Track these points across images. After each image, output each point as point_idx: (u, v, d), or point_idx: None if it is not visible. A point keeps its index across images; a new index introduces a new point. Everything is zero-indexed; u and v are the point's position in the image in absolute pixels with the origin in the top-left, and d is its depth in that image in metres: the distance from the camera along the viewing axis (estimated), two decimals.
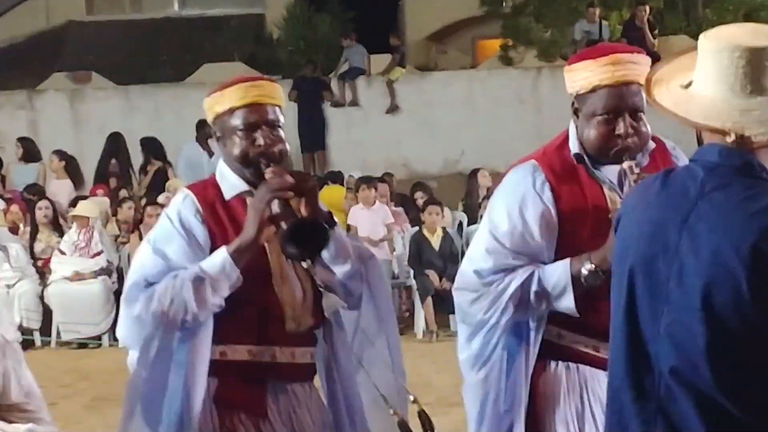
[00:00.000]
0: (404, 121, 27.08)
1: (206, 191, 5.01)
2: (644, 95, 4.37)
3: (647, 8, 26.65)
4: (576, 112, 5.05)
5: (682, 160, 5.30)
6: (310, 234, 4.52)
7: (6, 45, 39.26)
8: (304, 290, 4.78)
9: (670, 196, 3.42)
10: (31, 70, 32.95)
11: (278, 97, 5.07)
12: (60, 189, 21.85)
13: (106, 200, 20.64)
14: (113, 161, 23.25)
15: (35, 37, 39.99)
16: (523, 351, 5.06)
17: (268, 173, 4.73)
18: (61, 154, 22.54)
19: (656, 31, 25.93)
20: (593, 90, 4.85)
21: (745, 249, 3.09)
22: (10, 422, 5.11)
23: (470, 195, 20.35)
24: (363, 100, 28.07)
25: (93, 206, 18.97)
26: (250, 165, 4.82)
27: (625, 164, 5.01)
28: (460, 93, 27.83)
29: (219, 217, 4.90)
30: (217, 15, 41.03)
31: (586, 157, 5.15)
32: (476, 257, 5.21)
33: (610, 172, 5.15)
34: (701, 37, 3.35)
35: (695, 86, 3.35)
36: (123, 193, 21.21)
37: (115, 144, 23.46)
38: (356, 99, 27.86)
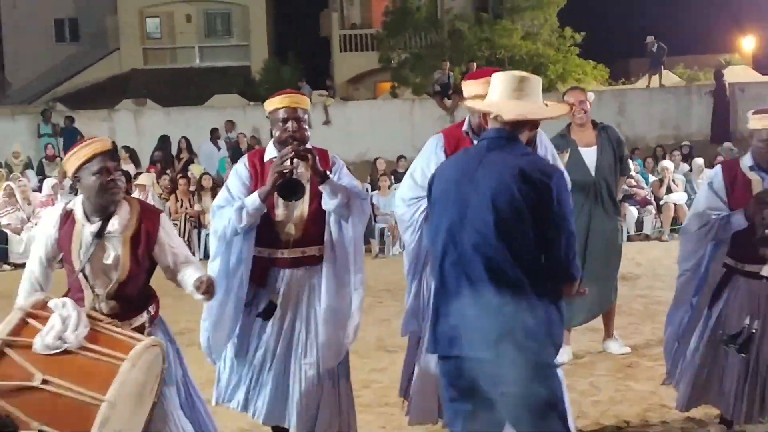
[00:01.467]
0: (333, 130, 27.54)
1: (254, 156, 5.94)
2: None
3: (475, 64, 27.60)
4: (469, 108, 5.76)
5: (544, 141, 6.03)
6: (292, 186, 5.30)
7: (95, 82, 40.10)
8: (303, 213, 5.51)
9: (470, 154, 4.46)
10: (110, 98, 33.60)
11: (304, 104, 5.77)
12: (127, 169, 22.97)
13: (154, 175, 20.52)
14: (159, 153, 23.82)
15: (113, 78, 40.96)
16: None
17: (289, 148, 5.44)
18: (126, 149, 23.67)
19: None
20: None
21: (515, 172, 4.06)
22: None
23: (373, 173, 21.01)
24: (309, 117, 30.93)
25: (147, 178, 19.43)
26: (284, 143, 5.53)
27: None
28: (367, 114, 29.45)
29: (257, 171, 5.70)
30: (221, 65, 41.82)
31: (471, 132, 5.83)
32: (402, 191, 6.02)
33: None
34: (494, 75, 4.45)
35: (490, 97, 4.39)
36: (165, 171, 21.86)
37: (161, 142, 24.60)
38: (328, 118, 28.67)
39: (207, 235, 15.27)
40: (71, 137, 24.08)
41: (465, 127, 5.85)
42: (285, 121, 5.53)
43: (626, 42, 37.95)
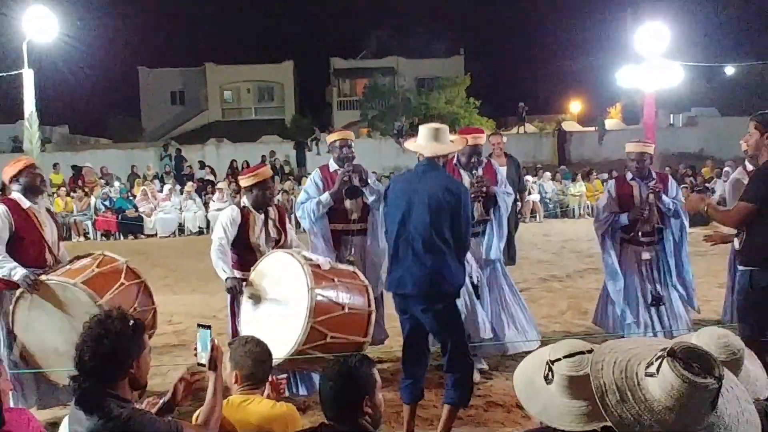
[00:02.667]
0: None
1: (323, 169, 5.99)
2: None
3: (416, 119, 29.85)
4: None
5: (494, 165, 6.21)
6: (353, 190, 5.60)
7: (193, 128, 42.52)
8: (357, 204, 5.69)
9: (413, 174, 4.46)
10: (202, 138, 35.89)
11: (351, 137, 5.97)
12: (209, 179, 23.32)
13: (227, 182, 20.66)
14: (229, 170, 24.54)
15: (203, 126, 43.63)
16: None
17: (344, 168, 5.67)
18: (210, 168, 24.92)
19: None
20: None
21: (442, 187, 4.17)
22: None
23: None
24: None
25: (223, 184, 20.02)
26: (341, 162, 5.76)
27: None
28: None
29: (327, 179, 5.86)
30: (267, 118, 44.28)
31: (459, 165, 5.85)
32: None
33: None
34: (420, 126, 4.56)
35: (418, 141, 4.43)
36: (232, 181, 20.92)
37: (231, 165, 25.29)
38: (319, 151, 29.08)
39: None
40: (179, 162, 26.28)
41: (455, 161, 5.84)
42: (341, 147, 5.83)
43: (505, 106, 39.07)
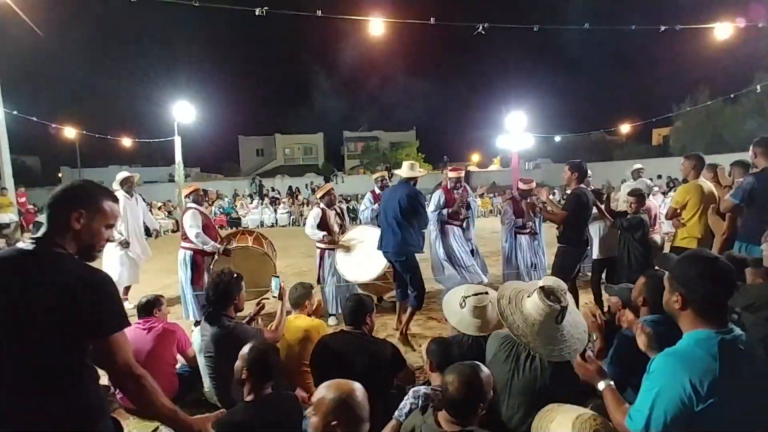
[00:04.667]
0: (345, 185, 27.24)
1: (446, 191, 5.54)
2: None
3: (390, 165, 26.59)
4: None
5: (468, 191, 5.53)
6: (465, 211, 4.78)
7: (267, 169, 40.67)
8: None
9: (394, 187, 4.16)
10: (272, 175, 34.00)
11: (464, 170, 5.43)
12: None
13: (289, 199, 20.61)
14: (289, 192, 23.80)
15: (273, 168, 42.12)
16: None
17: (461, 194, 5.04)
18: (272, 189, 25.02)
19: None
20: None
21: (406, 193, 4.03)
22: None
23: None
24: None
25: (285, 200, 20.13)
26: (450, 190, 5.13)
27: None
28: (355, 181, 29.61)
29: (448, 196, 5.36)
30: (308, 163, 43.24)
31: (451, 187, 5.42)
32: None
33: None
34: (403, 163, 4.33)
35: (400, 172, 4.24)
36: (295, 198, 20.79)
37: (290, 190, 24.44)
38: (337, 181, 28.35)
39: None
40: (260, 188, 26.08)
41: (448, 185, 5.52)
42: (458, 181, 5.53)
43: (435, 156, 38.91)
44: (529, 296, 2.14)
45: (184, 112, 16.39)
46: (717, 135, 27.06)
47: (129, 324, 1.61)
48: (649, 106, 42.50)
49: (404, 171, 4.40)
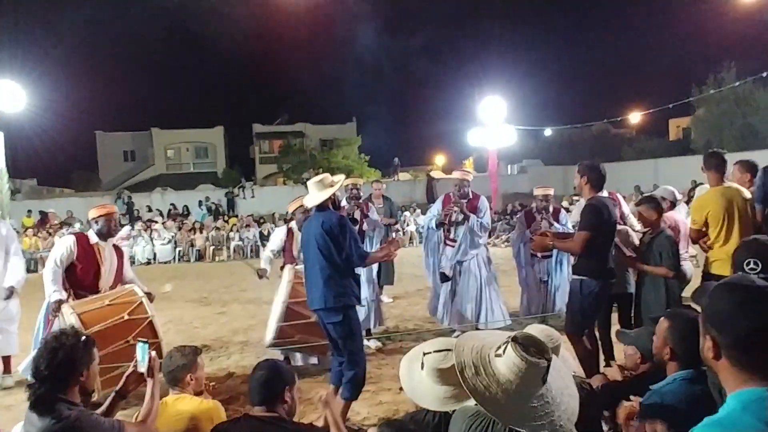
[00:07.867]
0: (258, 200, 26.28)
1: (446, 198, 5.68)
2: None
3: (321, 169, 26.42)
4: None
5: (480, 199, 5.70)
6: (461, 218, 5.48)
7: (141, 180, 37.58)
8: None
9: (314, 218, 3.87)
10: (150, 187, 32.10)
11: (469, 176, 5.62)
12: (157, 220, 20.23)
13: (173, 222, 18.84)
14: (175, 210, 22.95)
15: (151, 178, 38.88)
16: None
17: (458, 202, 5.42)
18: (159, 210, 22.77)
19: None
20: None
21: (328, 226, 3.71)
22: None
23: (274, 220, 18.49)
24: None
25: (170, 224, 17.99)
26: (453, 198, 5.57)
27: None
28: (272, 192, 27.85)
29: (444, 204, 5.55)
30: (204, 171, 39.56)
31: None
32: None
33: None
34: (323, 175, 3.93)
35: (306, 197, 3.90)
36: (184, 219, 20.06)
37: (174, 207, 23.15)
38: (245, 195, 27.12)
39: None
40: (130, 207, 24.50)
41: (450, 193, 5.67)
42: (459, 187, 5.63)
43: (385, 161, 36.51)
44: (498, 354, 1.84)
45: (8, 97, 14.60)
46: (747, 126, 24.74)
47: None
48: (663, 90, 41.51)
49: (311, 197, 3.85)
